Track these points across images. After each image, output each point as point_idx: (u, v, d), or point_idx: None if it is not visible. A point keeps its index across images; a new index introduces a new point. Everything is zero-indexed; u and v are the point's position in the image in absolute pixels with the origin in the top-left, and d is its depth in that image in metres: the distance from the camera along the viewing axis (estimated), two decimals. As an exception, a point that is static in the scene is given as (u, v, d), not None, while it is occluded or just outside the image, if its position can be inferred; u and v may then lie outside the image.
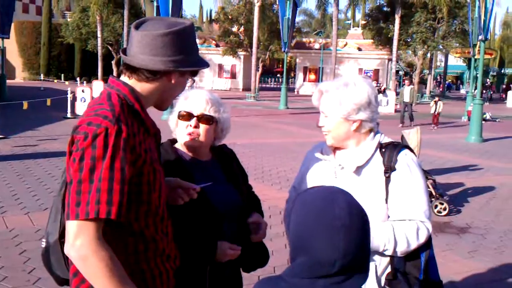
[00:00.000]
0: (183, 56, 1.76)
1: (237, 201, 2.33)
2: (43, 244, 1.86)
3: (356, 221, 1.31)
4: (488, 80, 48.68)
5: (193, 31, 1.82)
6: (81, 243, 1.54)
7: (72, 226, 1.56)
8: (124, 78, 1.79)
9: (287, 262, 5.07)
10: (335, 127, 2.21)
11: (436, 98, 19.32)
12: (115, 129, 1.58)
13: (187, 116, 2.26)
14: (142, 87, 1.77)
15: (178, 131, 2.31)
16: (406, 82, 20.78)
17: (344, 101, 2.15)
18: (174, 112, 2.33)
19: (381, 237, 2.08)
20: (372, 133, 2.25)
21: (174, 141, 2.39)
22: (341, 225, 1.28)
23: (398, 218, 2.15)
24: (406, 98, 19.79)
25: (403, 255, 2.13)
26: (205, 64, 1.87)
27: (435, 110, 18.96)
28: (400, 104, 20.75)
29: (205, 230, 2.18)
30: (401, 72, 51.36)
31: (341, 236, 1.28)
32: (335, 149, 2.30)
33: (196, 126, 2.25)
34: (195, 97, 2.29)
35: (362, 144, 2.23)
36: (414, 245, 2.11)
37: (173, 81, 1.79)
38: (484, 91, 41.47)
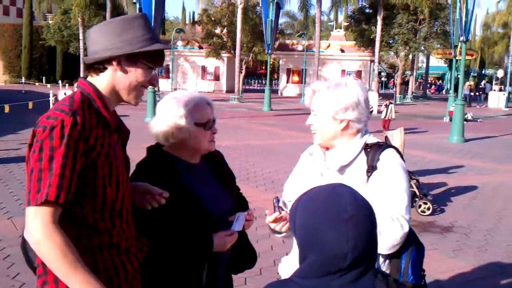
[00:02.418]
0: (124, 43, 1.79)
1: (228, 203, 2.33)
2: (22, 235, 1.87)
3: (362, 212, 1.33)
4: (484, 81, 48.95)
5: (139, 19, 1.84)
6: (35, 227, 1.61)
7: (30, 211, 1.63)
8: (89, 78, 1.89)
9: (274, 263, 5.08)
10: (322, 126, 2.23)
11: (387, 102, 17.74)
12: (71, 121, 1.67)
13: (212, 122, 2.27)
14: (99, 82, 1.84)
15: (202, 139, 2.25)
16: None
17: (333, 100, 2.18)
18: (185, 120, 2.20)
19: None
20: (360, 134, 2.26)
21: (160, 144, 2.34)
22: (348, 217, 1.30)
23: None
24: None
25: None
26: (154, 46, 1.82)
27: (386, 115, 17.27)
28: None
29: (200, 231, 2.17)
30: (383, 73, 51.56)
31: (350, 227, 1.29)
32: (326, 149, 2.31)
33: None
34: (203, 101, 2.27)
35: (348, 144, 2.24)
36: (385, 238, 2.03)
37: (119, 70, 1.83)
38: (477, 94, 41.88)
